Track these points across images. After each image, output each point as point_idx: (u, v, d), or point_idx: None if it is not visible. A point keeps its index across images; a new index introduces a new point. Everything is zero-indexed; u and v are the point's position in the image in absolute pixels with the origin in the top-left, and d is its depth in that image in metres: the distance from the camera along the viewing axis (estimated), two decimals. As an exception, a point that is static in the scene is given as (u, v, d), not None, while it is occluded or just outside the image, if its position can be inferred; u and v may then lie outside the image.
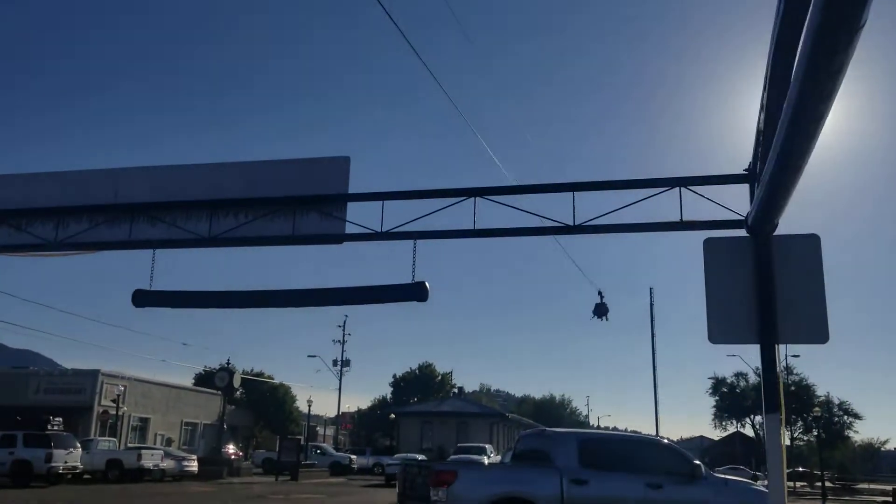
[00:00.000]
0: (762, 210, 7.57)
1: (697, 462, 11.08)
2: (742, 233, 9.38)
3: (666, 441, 13.43)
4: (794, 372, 58.31)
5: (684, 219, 9.80)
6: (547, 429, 12.86)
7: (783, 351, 53.81)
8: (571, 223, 9.97)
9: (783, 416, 9.28)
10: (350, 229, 10.92)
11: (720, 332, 9.39)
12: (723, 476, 12.65)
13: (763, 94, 7.43)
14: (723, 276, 9.46)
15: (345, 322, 70.61)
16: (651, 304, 58.75)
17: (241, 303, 11.01)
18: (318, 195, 10.92)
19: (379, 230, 10.60)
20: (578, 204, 9.94)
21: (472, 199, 10.44)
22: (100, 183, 11.92)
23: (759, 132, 8.68)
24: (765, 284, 9.18)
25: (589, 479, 10.39)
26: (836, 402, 57.60)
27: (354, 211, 10.89)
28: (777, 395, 9.07)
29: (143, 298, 11.07)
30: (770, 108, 7.50)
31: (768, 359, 9.10)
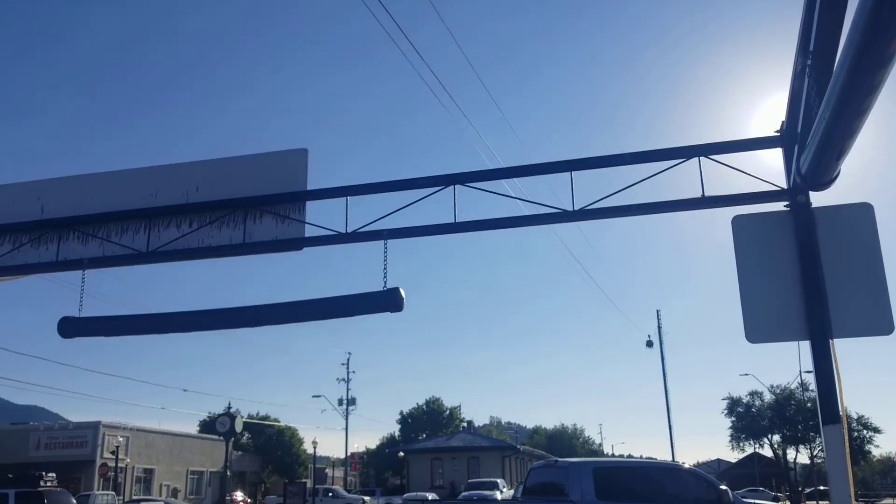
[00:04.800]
0: (816, 160, 5.92)
1: (724, 488, 10.10)
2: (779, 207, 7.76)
3: (688, 466, 12.18)
4: (811, 389, 56.46)
5: (706, 194, 8.15)
6: (559, 459, 11.74)
7: (800, 363, 51.94)
8: (571, 208, 8.36)
9: (846, 428, 7.57)
10: (310, 231, 9.32)
11: (760, 328, 7.61)
12: (750, 501, 11.68)
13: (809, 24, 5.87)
14: (758, 259, 7.74)
15: (348, 360, 69.43)
16: (659, 327, 57.37)
17: (185, 326, 9.39)
18: (270, 195, 9.30)
19: (344, 231, 9.01)
20: (578, 185, 8.34)
21: (452, 187, 8.84)
22: (22, 198, 10.34)
23: (795, 76, 7.08)
24: (810, 267, 7.57)
25: None
26: (855, 416, 55.47)
27: (314, 211, 9.32)
28: (835, 402, 7.33)
29: (70, 327, 9.46)
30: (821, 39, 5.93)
31: (822, 358, 7.35)
